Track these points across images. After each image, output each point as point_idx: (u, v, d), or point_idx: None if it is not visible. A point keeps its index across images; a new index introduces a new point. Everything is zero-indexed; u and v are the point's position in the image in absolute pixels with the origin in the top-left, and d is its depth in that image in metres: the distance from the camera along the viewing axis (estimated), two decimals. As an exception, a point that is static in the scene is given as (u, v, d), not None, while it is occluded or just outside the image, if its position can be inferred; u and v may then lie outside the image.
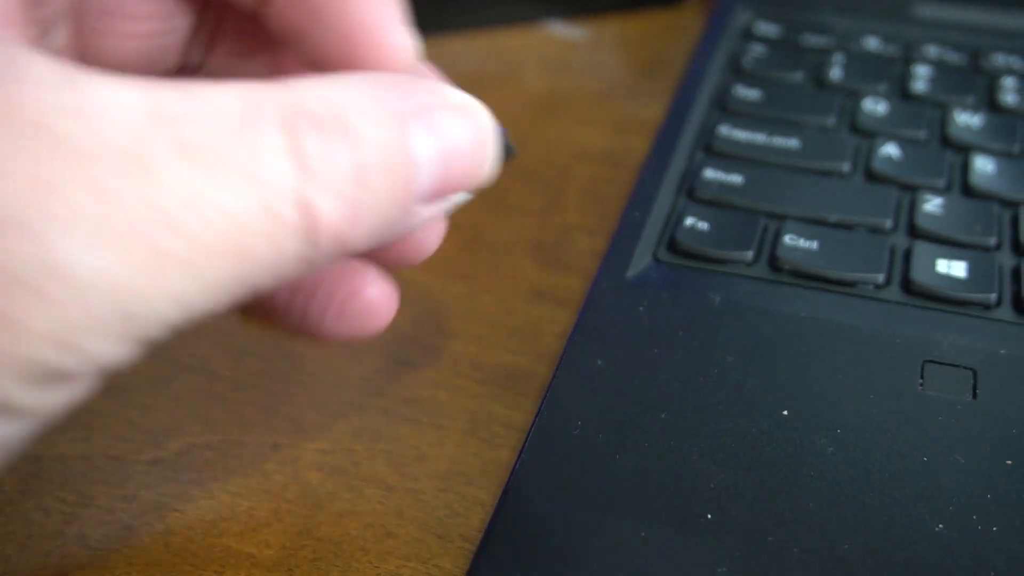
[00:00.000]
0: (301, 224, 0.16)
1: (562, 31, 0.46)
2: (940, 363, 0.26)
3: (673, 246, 0.30)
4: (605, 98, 0.42)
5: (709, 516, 0.22)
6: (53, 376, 0.15)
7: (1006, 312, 0.28)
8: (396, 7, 0.20)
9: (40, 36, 0.19)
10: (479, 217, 0.35)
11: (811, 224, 0.30)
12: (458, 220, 0.27)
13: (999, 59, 0.38)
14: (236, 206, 0.15)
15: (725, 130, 0.34)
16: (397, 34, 0.20)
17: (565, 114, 0.41)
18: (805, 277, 0.29)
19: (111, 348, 0.15)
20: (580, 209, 0.36)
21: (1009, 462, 0.23)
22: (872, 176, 0.32)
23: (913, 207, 0.31)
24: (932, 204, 0.31)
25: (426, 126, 0.18)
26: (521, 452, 0.24)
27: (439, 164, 0.18)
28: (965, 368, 0.26)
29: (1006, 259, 0.29)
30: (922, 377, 0.25)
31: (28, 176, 0.14)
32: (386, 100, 0.17)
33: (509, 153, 0.20)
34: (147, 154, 0.15)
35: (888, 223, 0.30)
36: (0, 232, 0.14)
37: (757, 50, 0.39)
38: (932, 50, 0.39)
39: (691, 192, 0.32)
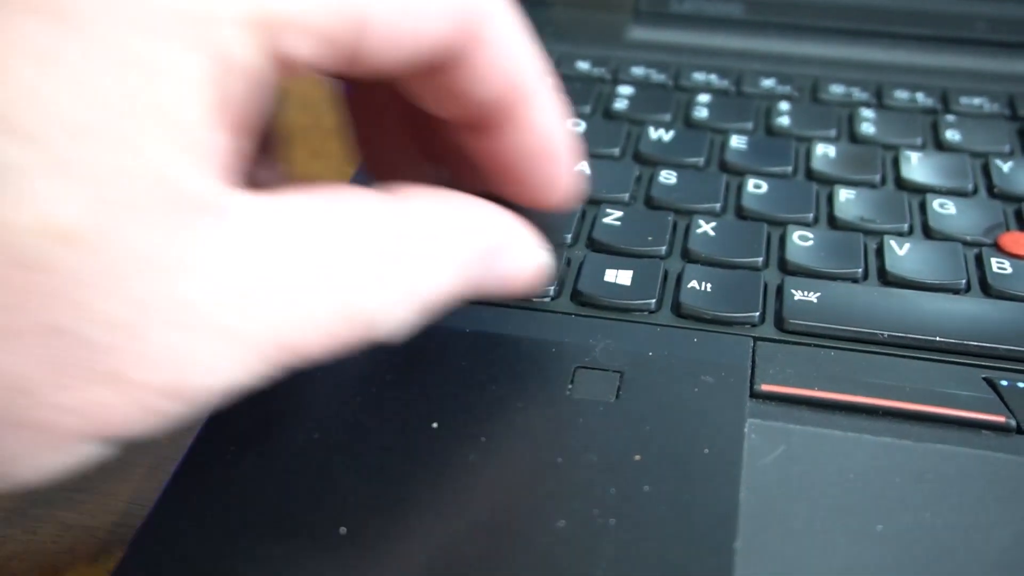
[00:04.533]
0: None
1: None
2: (591, 368, 0.27)
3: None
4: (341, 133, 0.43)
5: (343, 530, 0.23)
6: None
7: (666, 316, 0.29)
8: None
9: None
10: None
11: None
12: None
13: (698, 77, 0.41)
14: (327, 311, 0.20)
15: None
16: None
17: (300, 148, 0.42)
18: (482, 293, 0.30)
19: None
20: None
21: (637, 457, 0.25)
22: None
23: (594, 222, 0.32)
24: (611, 218, 0.32)
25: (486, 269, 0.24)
26: (170, 479, 0.24)
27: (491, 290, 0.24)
28: (613, 371, 0.27)
29: (674, 265, 0.31)
30: (572, 382, 0.27)
31: None
32: (471, 243, 0.23)
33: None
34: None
35: (568, 237, 0.32)
36: None
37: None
38: (637, 71, 0.41)
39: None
